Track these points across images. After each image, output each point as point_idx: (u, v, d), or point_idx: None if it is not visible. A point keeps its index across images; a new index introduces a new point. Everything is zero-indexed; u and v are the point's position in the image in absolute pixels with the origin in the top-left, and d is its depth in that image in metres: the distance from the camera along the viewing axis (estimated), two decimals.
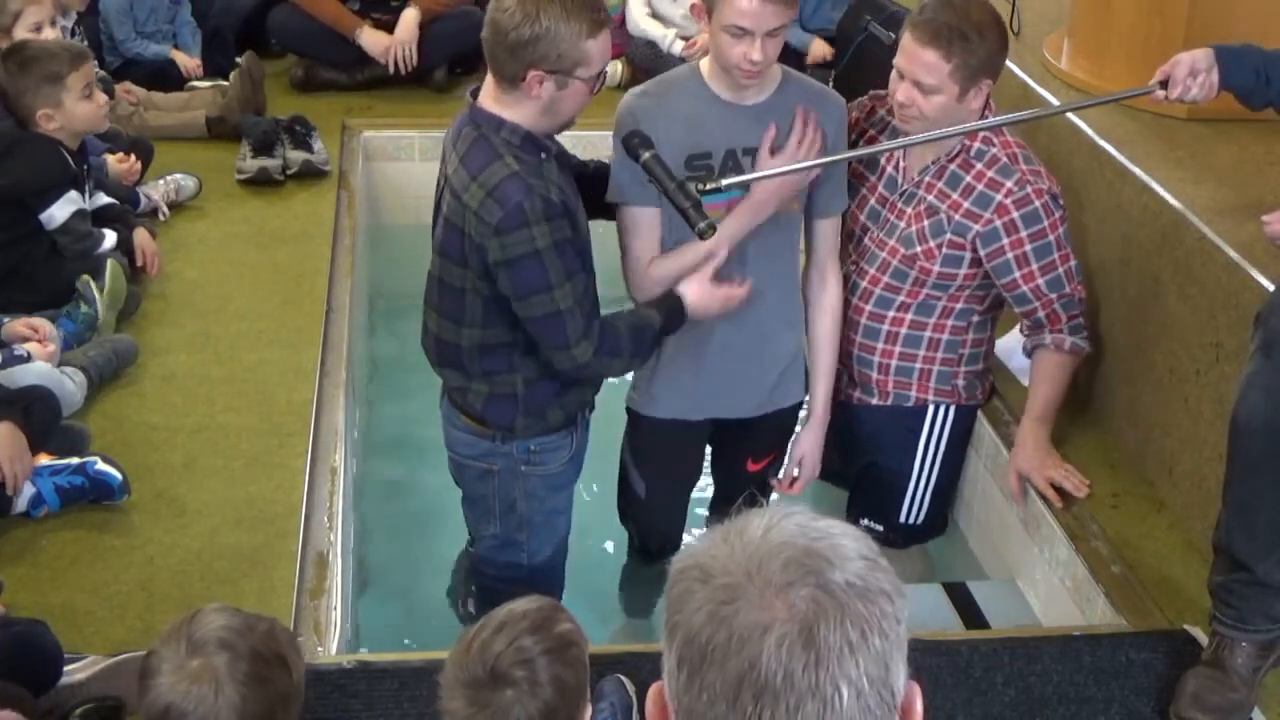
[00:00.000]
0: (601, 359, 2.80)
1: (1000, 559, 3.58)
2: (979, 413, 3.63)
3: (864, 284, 3.31)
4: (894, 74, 3.09)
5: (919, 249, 3.20)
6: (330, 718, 2.58)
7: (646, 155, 2.80)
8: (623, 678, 2.66)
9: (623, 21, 5.91)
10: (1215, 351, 3.07)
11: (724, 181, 2.81)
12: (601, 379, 2.98)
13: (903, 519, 3.45)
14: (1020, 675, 2.76)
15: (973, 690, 2.72)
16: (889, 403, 3.39)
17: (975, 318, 3.34)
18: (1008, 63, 4.11)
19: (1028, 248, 3.14)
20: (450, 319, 2.88)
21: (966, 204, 3.14)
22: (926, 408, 3.39)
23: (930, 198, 3.19)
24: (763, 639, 1.04)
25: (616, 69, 5.75)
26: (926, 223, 3.19)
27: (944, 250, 3.19)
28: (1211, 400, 3.07)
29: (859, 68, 5.29)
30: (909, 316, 3.31)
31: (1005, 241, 3.14)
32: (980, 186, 3.14)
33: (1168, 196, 3.30)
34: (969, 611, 3.32)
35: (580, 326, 2.75)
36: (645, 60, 5.63)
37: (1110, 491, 3.36)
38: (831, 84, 5.46)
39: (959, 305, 3.30)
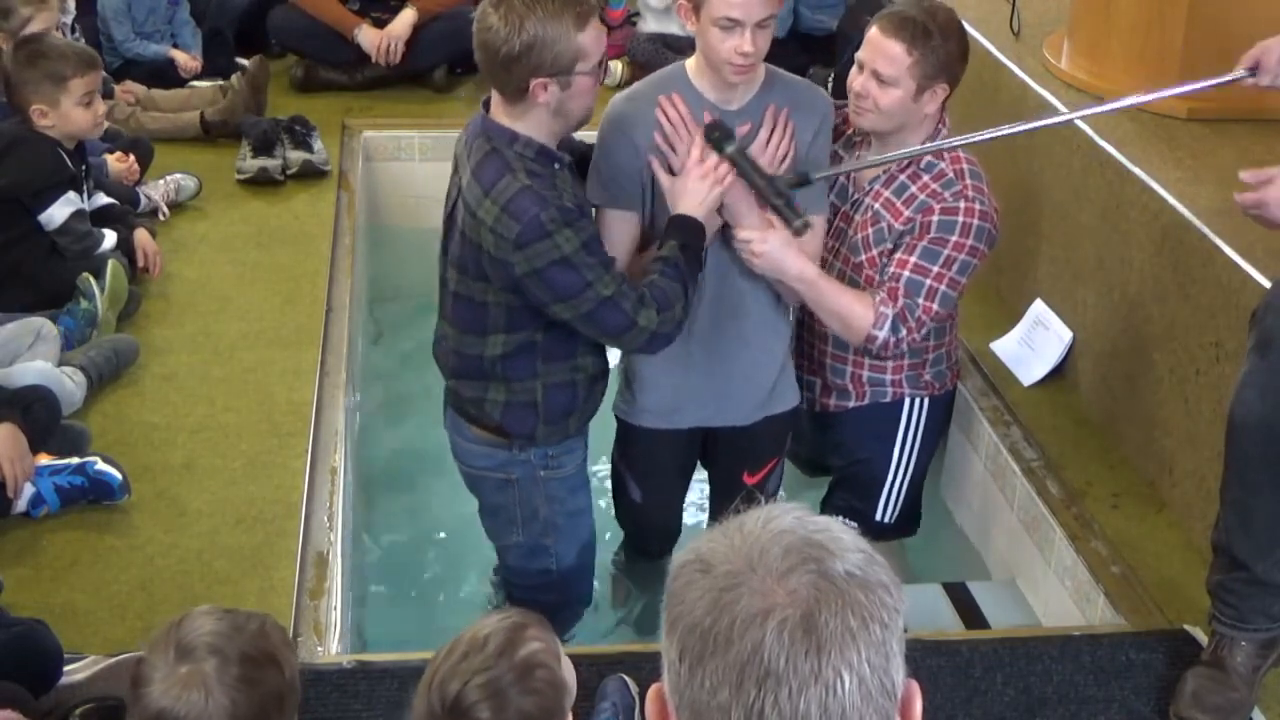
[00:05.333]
0: (666, 314, 2.77)
1: (1000, 559, 3.58)
2: (980, 413, 3.64)
3: None
4: (854, 67, 3.12)
5: (863, 257, 3.17)
6: (330, 718, 2.58)
7: (731, 149, 2.77)
8: (626, 678, 2.66)
9: (624, 19, 5.92)
10: (1215, 351, 3.07)
11: (814, 175, 2.79)
12: (678, 331, 2.85)
13: (879, 517, 3.44)
14: (1020, 675, 2.76)
15: (973, 690, 2.72)
16: (866, 401, 3.37)
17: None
18: (1008, 62, 4.14)
19: (922, 243, 3.07)
20: (472, 333, 2.86)
21: (907, 213, 3.11)
22: (903, 401, 3.37)
23: (877, 205, 3.16)
24: (764, 624, 1.05)
25: (617, 68, 5.75)
26: (870, 231, 3.16)
27: (883, 259, 3.14)
28: (1211, 400, 3.07)
29: None
30: None
31: (914, 236, 3.09)
32: (922, 196, 3.11)
33: (1168, 196, 3.30)
34: (969, 611, 3.32)
35: (632, 298, 2.73)
36: (647, 58, 5.62)
37: (1110, 491, 3.37)
38: (831, 83, 5.48)
39: None
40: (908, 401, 3.36)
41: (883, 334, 3.04)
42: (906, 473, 3.41)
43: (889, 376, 3.33)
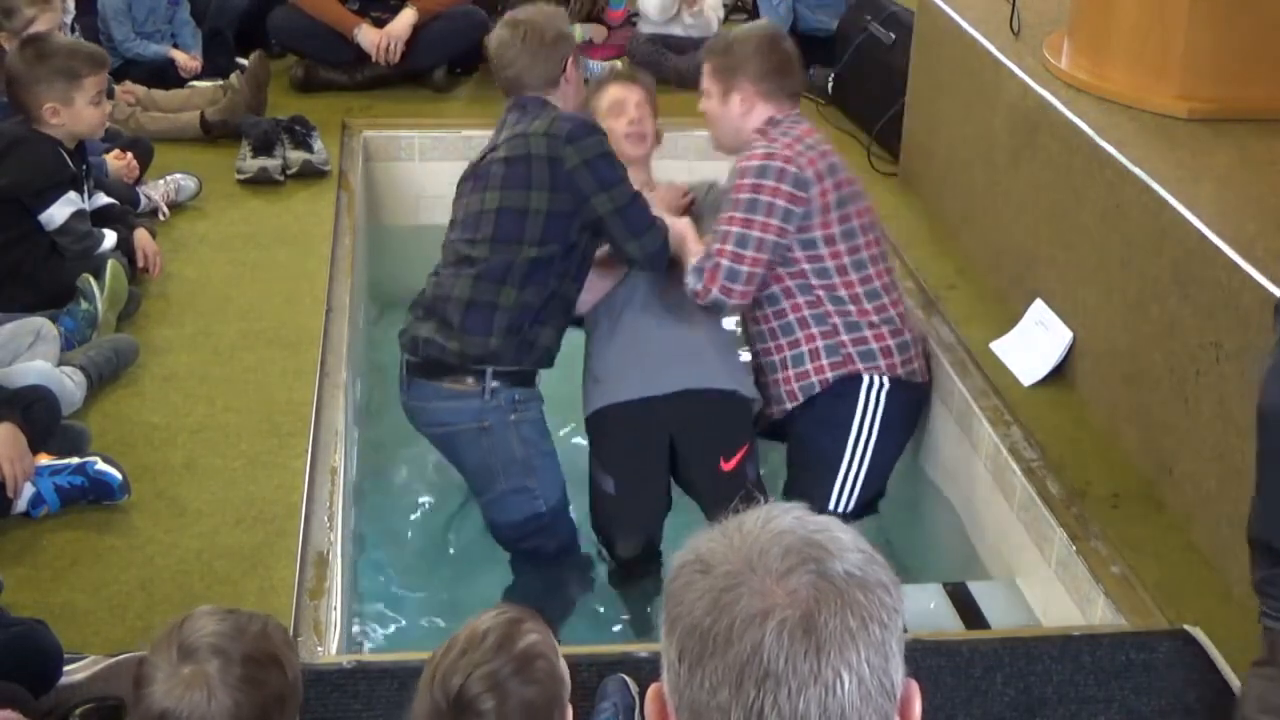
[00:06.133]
0: (663, 231, 3.42)
1: (1000, 559, 3.58)
2: (980, 413, 3.64)
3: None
4: None
5: None
6: (330, 718, 2.58)
7: None
8: (626, 678, 2.66)
9: (624, 19, 5.92)
10: (1215, 351, 3.07)
11: None
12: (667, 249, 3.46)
13: (832, 506, 3.49)
14: (1020, 675, 2.76)
15: (973, 690, 2.72)
16: (800, 400, 3.53)
17: (818, 290, 3.50)
18: (1008, 62, 4.13)
19: (730, 196, 3.47)
20: (511, 241, 3.28)
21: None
22: (858, 390, 3.50)
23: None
24: (763, 625, 1.05)
25: (617, 68, 5.75)
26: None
27: None
28: (1211, 400, 3.07)
29: (859, 67, 5.30)
30: (768, 310, 3.58)
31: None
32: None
33: (1168, 196, 3.30)
34: (969, 611, 3.32)
35: (645, 203, 3.35)
36: (646, 58, 5.62)
37: (1110, 491, 3.36)
38: (831, 83, 5.48)
39: (785, 284, 3.50)
40: (865, 381, 3.49)
41: (689, 279, 3.46)
42: (862, 462, 3.47)
43: (805, 348, 3.52)
